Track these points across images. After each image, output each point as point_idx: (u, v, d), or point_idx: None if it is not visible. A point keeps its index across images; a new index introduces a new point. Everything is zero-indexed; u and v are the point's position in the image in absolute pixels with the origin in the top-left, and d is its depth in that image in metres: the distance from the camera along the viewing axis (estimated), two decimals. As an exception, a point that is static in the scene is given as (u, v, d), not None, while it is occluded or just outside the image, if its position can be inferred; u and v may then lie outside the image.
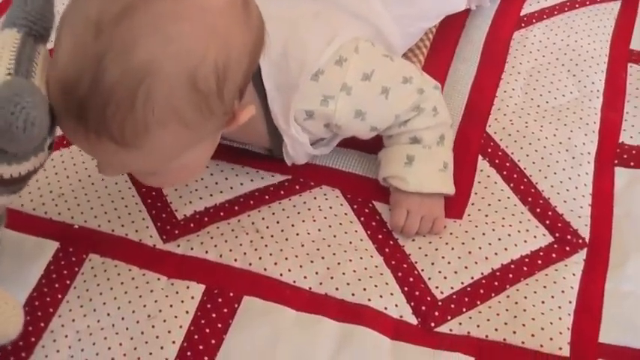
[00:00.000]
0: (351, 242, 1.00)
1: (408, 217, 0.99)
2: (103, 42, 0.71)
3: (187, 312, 0.94)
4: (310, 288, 0.95)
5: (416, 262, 0.97)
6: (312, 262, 0.97)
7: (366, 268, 0.97)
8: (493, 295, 0.94)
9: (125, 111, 0.73)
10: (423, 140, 1.00)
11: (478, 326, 0.92)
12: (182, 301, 0.95)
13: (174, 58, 0.72)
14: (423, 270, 0.96)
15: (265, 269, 0.97)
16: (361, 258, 0.98)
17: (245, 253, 0.99)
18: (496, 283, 0.95)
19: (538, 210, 1.02)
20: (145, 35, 0.72)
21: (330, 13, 0.99)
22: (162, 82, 0.72)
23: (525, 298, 0.94)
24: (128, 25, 0.72)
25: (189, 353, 0.90)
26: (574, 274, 0.96)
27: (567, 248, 0.99)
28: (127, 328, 0.93)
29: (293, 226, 1.02)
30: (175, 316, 0.93)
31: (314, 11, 0.98)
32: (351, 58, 0.95)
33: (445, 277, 0.96)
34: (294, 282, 0.96)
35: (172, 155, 0.82)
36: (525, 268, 0.97)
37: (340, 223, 1.02)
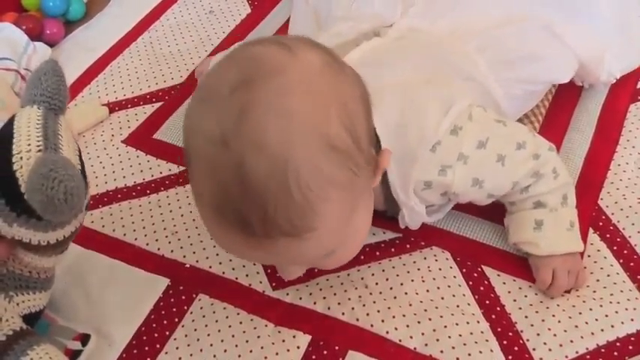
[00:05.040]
0: (458, 306, 1.00)
1: (556, 274, 0.99)
2: (235, 149, 0.72)
3: (292, 361, 0.96)
4: (415, 348, 0.96)
5: (522, 332, 0.97)
6: (418, 322, 0.98)
7: (471, 333, 0.97)
8: (597, 371, 0.93)
9: (286, 201, 0.72)
10: (548, 204, 1.00)
11: (580, 402, 0.91)
12: (288, 350, 0.96)
13: (303, 128, 0.72)
14: (528, 340, 0.96)
15: (372, 325, 0.98)
16: (467, 322, 0.98)
17: (353, 308, 1.00)
18: (600, 360, 0.94)
19: (646, 289, 1.01)
20: (266, 122, 0.72)
21: (441, 78, 1.00)
22: (303, 157, 0.72)
23: (629, 377, 0.92)
24: (249, 123, 0.72)
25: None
26: (681, 358, 0.94)
27: (675, 331, 0.97)
28: (232, 372, 0.95)
29: (402, 284, 1.02)
30: (281, 364, 0.95)
31: (426, 78, 0.98)
32: (466, 126, 0.95)
33: (550, 350, 0.95)
34: (400, 341, 0.96)
35: (344, 224, 0.81)
36: (631, 347, 0.95)
37: (448, 286, 1.02)
